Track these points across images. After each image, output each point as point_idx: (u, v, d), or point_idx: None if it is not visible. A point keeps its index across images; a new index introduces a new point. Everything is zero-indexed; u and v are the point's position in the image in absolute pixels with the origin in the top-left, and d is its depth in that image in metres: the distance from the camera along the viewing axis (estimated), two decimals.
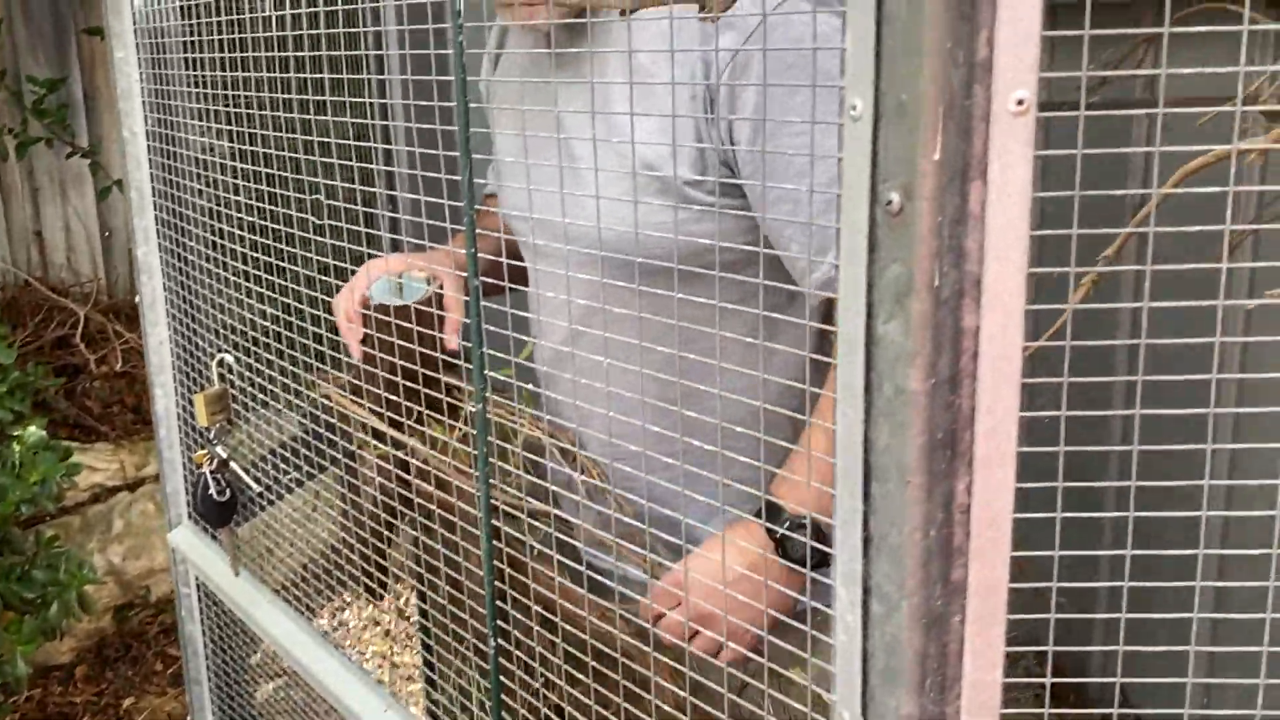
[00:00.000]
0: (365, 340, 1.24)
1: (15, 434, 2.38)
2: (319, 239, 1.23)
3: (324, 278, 1.28)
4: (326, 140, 1.17)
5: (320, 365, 1.30)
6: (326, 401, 1.28)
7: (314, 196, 1.21)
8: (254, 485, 1.48)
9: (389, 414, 1.20)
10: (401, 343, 1.17)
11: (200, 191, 1.53)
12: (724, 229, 1.09)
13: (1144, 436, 0.70)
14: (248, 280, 1.40)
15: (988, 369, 0.63)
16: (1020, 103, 0.58)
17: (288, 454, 1.42)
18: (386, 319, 1.19)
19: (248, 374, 1.44)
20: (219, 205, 1.46)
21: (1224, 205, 0.68)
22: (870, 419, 0.65)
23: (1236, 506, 2.31)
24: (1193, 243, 0.68)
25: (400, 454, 1.21)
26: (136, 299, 1.73)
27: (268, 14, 1.28)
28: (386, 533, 1.28)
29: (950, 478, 0.64)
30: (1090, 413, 0.71)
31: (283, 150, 1.26)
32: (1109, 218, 0.75)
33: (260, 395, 1.43)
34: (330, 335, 1.27)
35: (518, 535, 1.10)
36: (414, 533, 1.24)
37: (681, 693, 0.98)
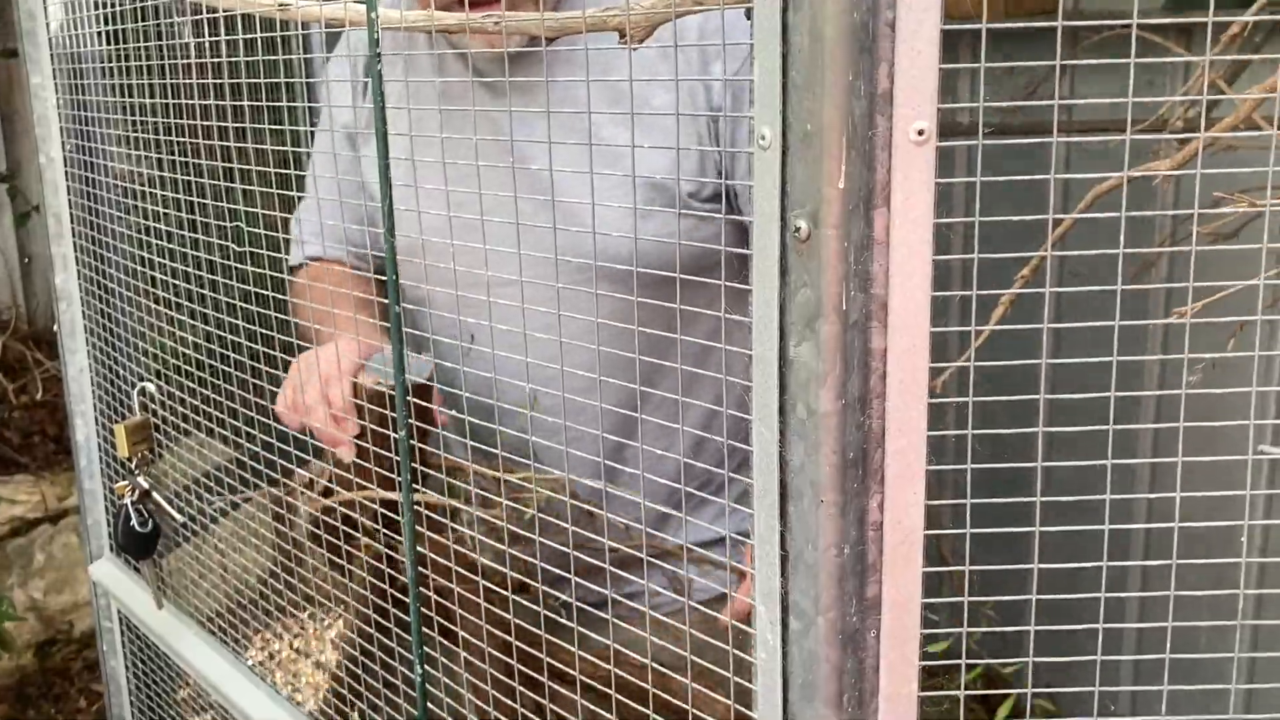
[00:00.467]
0: (360, 432, 1.13)
1: None
2: (242, 266, 1.22)
3: (246, 306, 1.27)
4: (250, 168, 1.17)
5: (244, 393, 1.29)
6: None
7: (235, 224, 1.20)
8: (177, 516, 1.46)
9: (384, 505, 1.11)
10: (420, 424, 1.09)
11: (120, 218, 1.51)
12: (728, 240, 1.10)
13: (1065, 453, 0.72)
14: (170, 308, 1.38)
15: (896, 389, 0.64)
16: (921, 133, 0.60)
17: (212, 483, 1.40)
18: (385, 402, 1.09)
19: (170, 402, 1.43)
20: (141, 232, 1.44)
21: (1141, 227, 0.71)
22: (785, 439, 0.67)
23: (1156, 518, 2.37)
24: (1110, 263, 0.70)
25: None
26: (55, 327, 1.69)
27: (189, 40, 1.27)
28: (312, 561, 1.26)
29: (863, 496, 0.65)
30: (998, 430, 0.73)
31: (205, 178, 1.25)
32: (1037, 238, 0.78)
33: (184, 424, 1.41)
34: (255, 364, 1.26)
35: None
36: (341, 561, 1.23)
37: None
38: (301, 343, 1.19)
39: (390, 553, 1.13)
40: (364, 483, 1.13)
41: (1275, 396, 2.07)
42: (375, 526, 1.13)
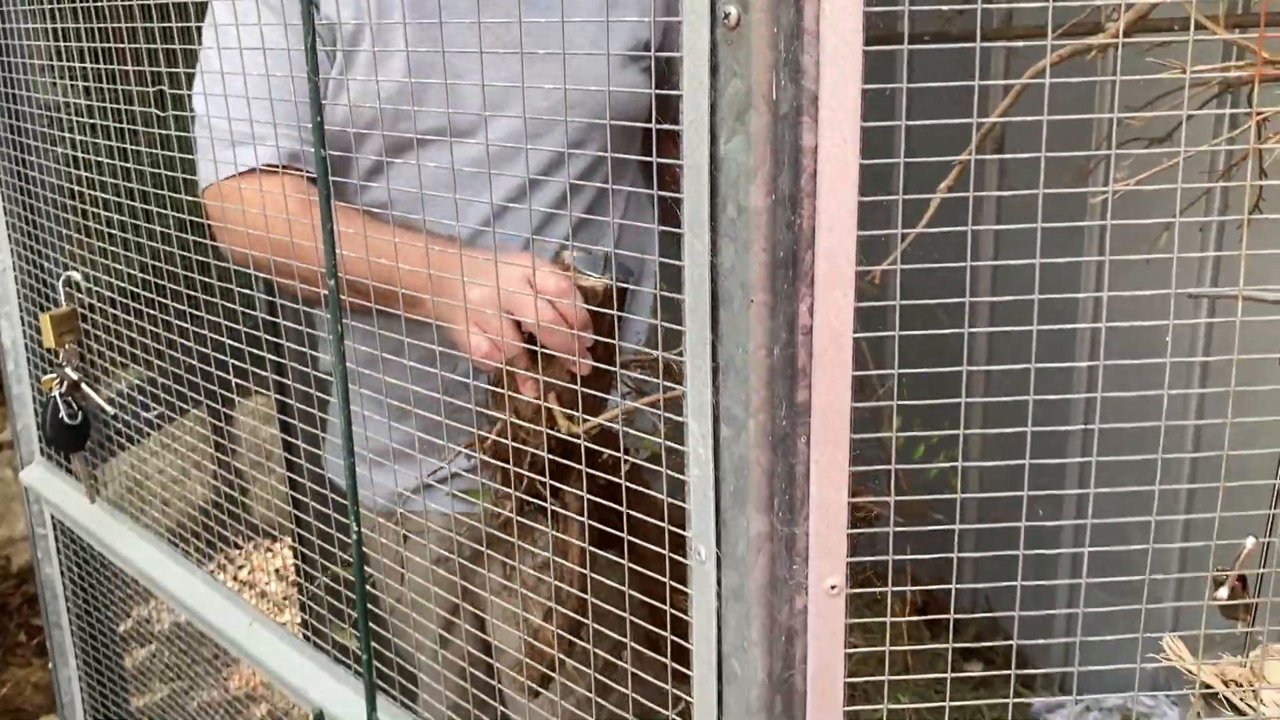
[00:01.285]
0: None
1: None
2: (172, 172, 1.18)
3: (182, 216, 1.23)
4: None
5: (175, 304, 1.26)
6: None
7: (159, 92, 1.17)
8: (107, 407, 1.43)
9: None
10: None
11: (42, 114, 1.46)
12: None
13: (1003, 358, 0.72)
14: (99, 206, 1.34)
15: (827, 189, 0.64)
16: None
17: (146, 397, 1.37)
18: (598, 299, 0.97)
19: (98, 289, 1.39)
20: (63, 130, 1.40)
21: (1080, 131, 0.71)
22: (716, 243, 0.66)
23: (1094, 420, 2.41)
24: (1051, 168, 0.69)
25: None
26: None
27: None
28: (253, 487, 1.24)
29: (793, 299, 0.65)
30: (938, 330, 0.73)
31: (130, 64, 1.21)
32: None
33: (113, 325, 1.38)
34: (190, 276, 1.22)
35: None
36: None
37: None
38: (274, 270, 1.11)
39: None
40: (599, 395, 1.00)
41: (1207, 304, 2.10)
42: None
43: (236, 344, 1.15)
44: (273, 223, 1.10)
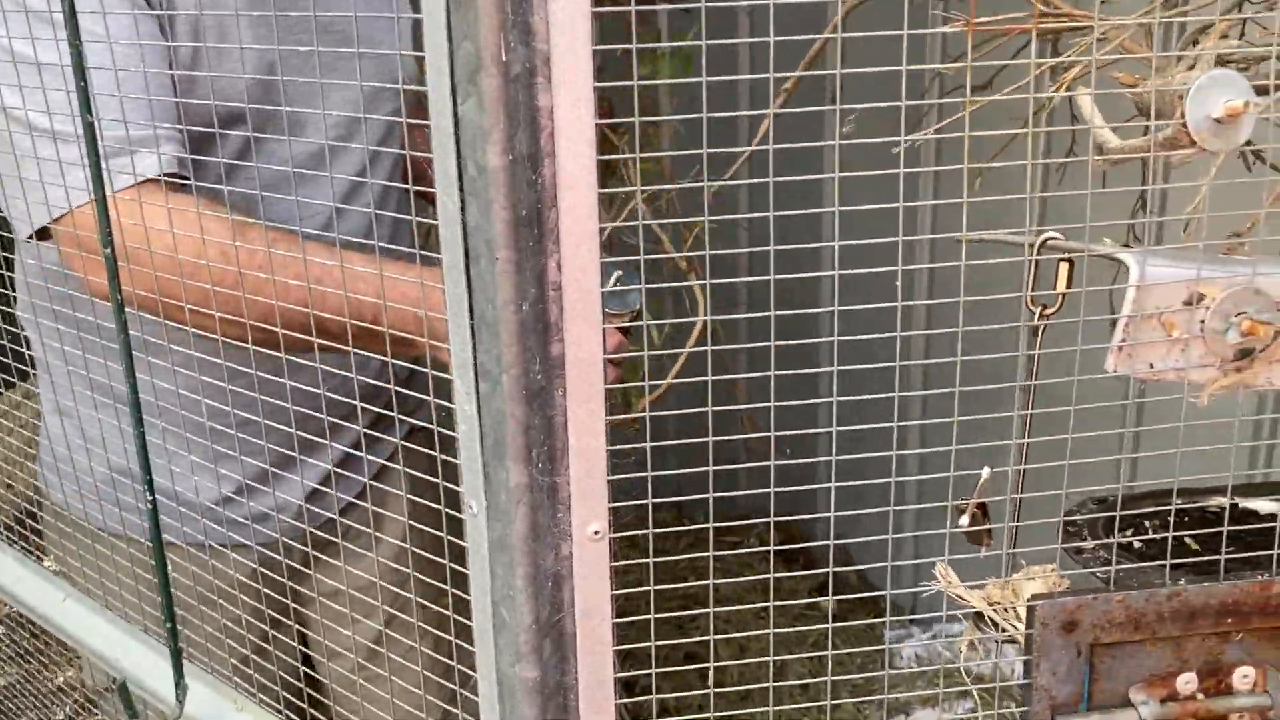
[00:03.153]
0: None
1: None
2: None
3: None
4: None
5: None
6: None
7: None
8: None
9: None
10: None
11: None
12: None
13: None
14: None
15: (565, 148, 0.66)
16: None
17: None
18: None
19: None
20: None
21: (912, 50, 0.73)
22: (465, 203, 0.67)
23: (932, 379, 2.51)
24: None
25: None
26: None
27: None
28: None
29: (540, 255, 0.67)
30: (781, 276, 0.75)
31: None
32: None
33: None
34: None
35: None
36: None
37: None
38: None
39: None
40: None
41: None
42: None
43: None
44: (209, 250, 0.93)
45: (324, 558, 1.23)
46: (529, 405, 0.69)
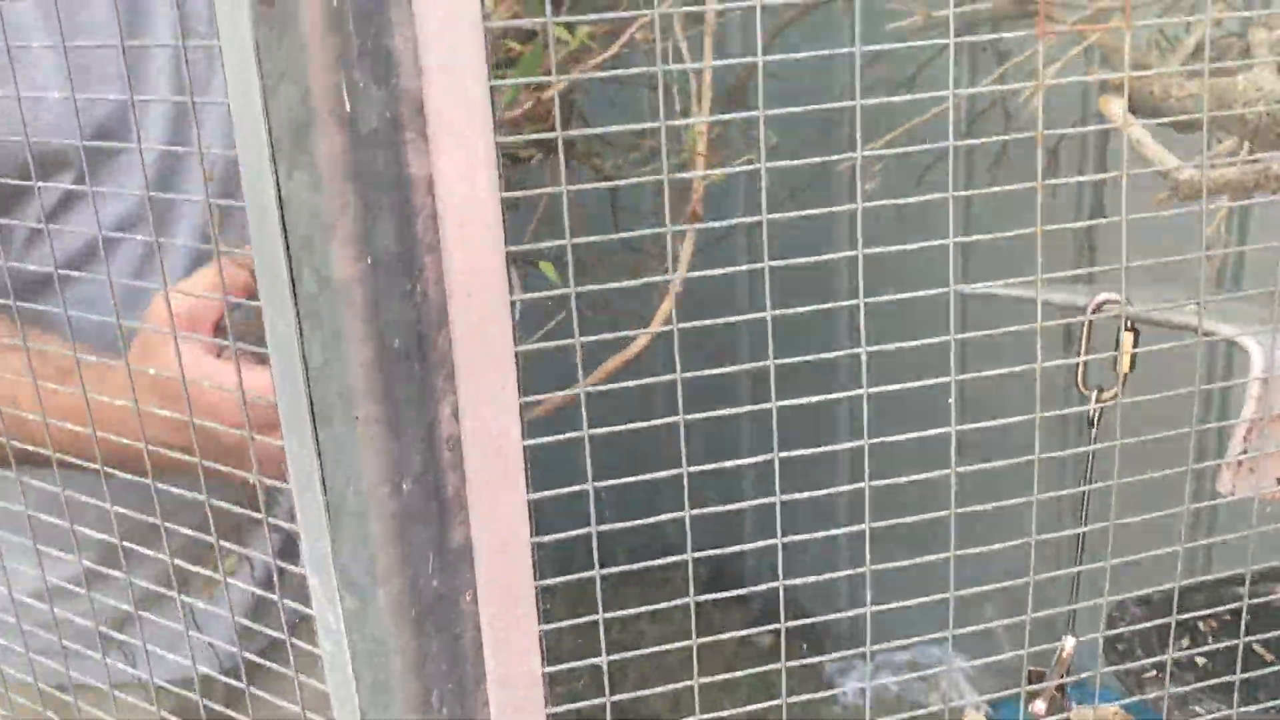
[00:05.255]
0: None
1: None
2: None
3: None
4: None
5: None
6: None
7: None
8: None
9: None
10: None
11: None
12: None
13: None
14: None
15: (455, 236, 0.42)
16: None
17: None
18: None
19: None
20: None
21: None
22: (303, 333, 0.43)
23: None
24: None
25: None
26: None
27: None
28: None
29: (426, 402, 0.44)
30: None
31: None
32: None
33: None
34: None
35: None
36: None
37: None
38: None
39: None
40: None
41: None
42: None
43: None
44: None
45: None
46: (420, 627, 0.45)
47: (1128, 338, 0.64)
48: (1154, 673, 0.79)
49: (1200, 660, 0.82)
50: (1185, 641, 0.84)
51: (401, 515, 0.44)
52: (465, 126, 0.41)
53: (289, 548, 0.61)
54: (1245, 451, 0.54)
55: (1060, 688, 0.56)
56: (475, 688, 0.47)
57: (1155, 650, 0.80)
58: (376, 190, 0.41)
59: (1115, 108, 0.72)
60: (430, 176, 0.41)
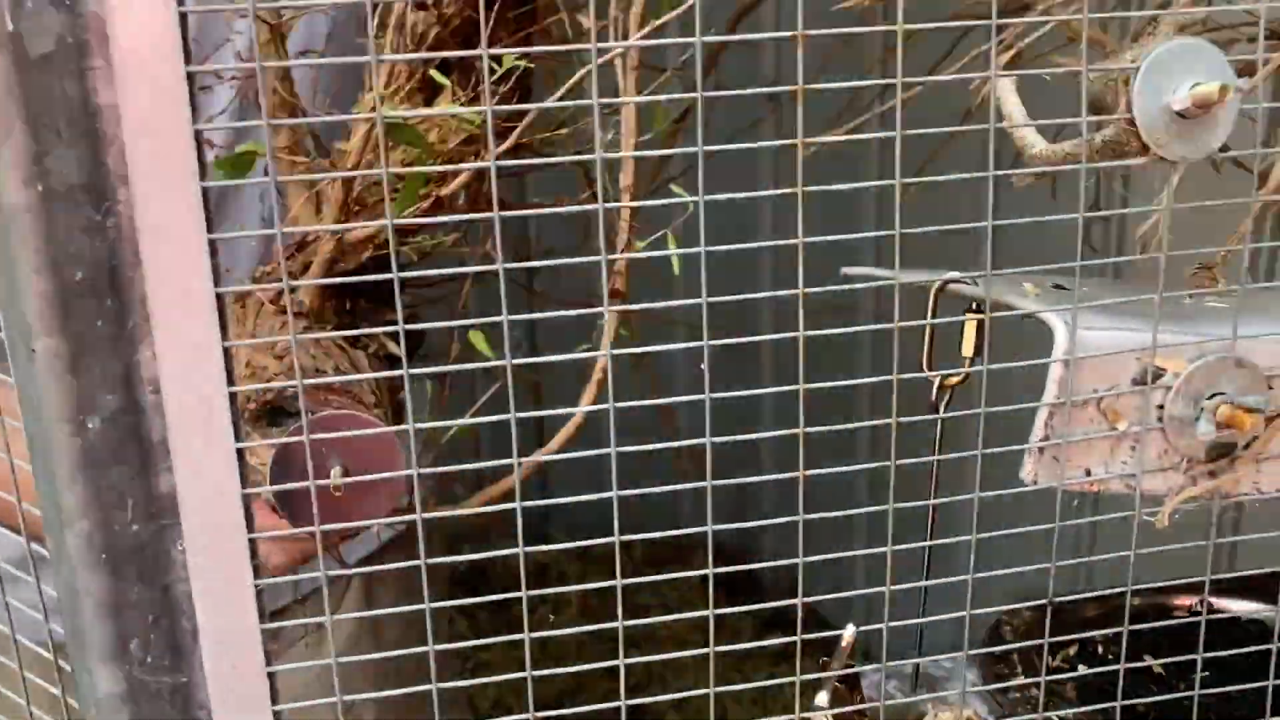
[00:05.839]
0: None
1: None
2: None
3: None
4: None
5: None
6: None
7: None
8: None
9: None
10: None
11: None
12: None
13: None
14: None
15: (146, 171, 0.41)
16: None
17: None
18: None
19: None
20: None
21: None
22: None
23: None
24: None
25: None
26: None
27: None
28: None
29: (120, 340, 0.42)
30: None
31: None
32: None
33: None
34: None
35: None
36: None
37: None
38: None
39: None
40: None
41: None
42: None
43: None
44: None
45: None
46: (116, 575, 0.44)
47: (971, 325, 0.61)
48: (1028, 689, 0.75)
49: (1086, 674, 0.78)
50: (1073, 650, 0.80)
51: (89, 455, 0.42)
52: (151, 56, 0.40)
53: None
54: (1047, 438, 0.51)
55: (845, 679, 0.53)
56: (189, 642, 0.46)
57: (1034, 663, 0.76)
58: (53, 116, 0.40)
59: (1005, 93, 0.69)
60: (116, 106, 0.40)
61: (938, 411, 0.62)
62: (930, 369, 0.62)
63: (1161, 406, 0.51)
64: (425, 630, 0.49)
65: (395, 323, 0.60)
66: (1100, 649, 0.79)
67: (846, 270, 0.72)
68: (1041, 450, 0.51)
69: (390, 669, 1.04)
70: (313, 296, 0.75)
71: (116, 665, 0.45)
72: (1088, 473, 0.52)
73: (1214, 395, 0.51)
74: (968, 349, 0.61)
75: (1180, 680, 0.77)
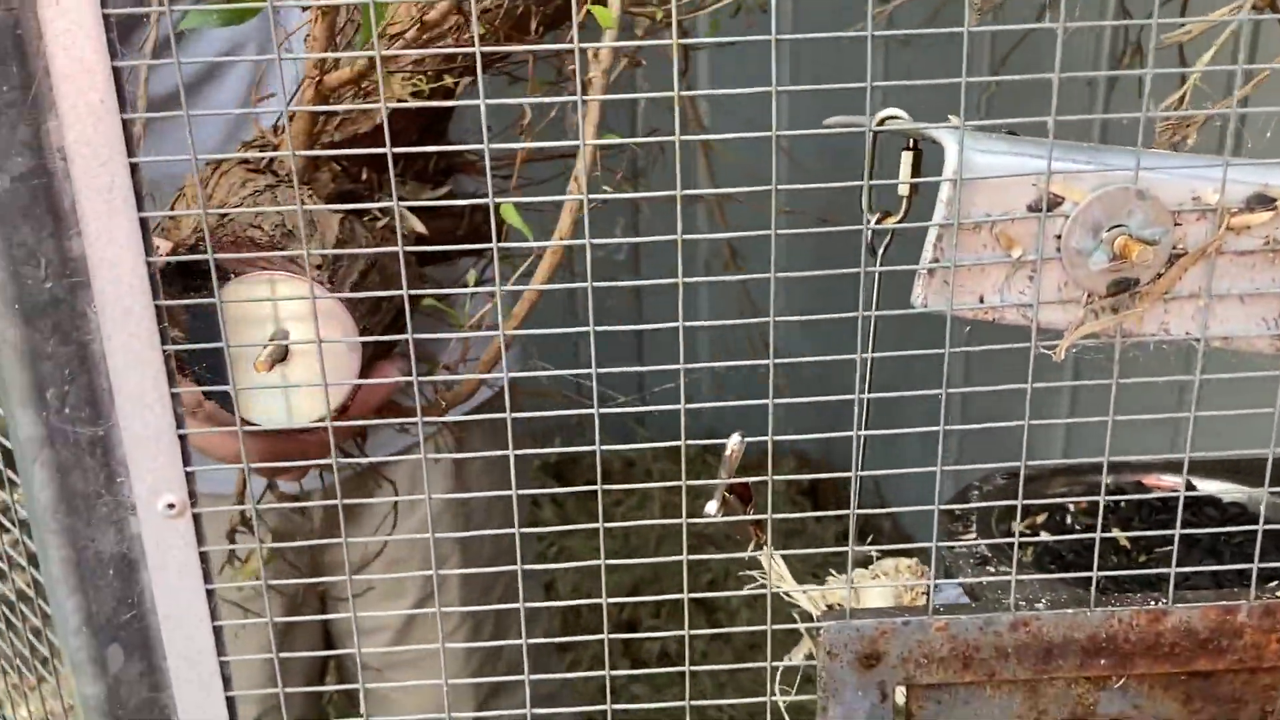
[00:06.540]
0: None
1: None
2: None
3: None
4: None
5: None
6: None
7: None
8: None
9: None
10: None
11: None
12: None
13: None
14: None
15: (69, 100, 0.44)
16: None
17: None
18: None
19: None
20: None
21: None
22: None
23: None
24: None
25: None
26: None
27: None
28: None
29: (27, 106, 0.46)
30: None
31: None
32: None
33: None
34: None
35: None
36: None
37: None
38: None
39: None
40: None
41: None
42: None
43: None
44: None
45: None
46: (30, 325, 0.49)
47: (907, 157, 0.61)
48: (990, 556, 0.75)
49: (1052, 544, 0.78)
50: (1040, 518, 0.80)
51: None
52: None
53: None
54: (937, 260, 0.51)
55: (733, 488, 0.54)
56: (105, 399, 0.50)
57: (994, 531, 0.76)
58: None
59: None
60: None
61: (875, 255, 0.63)
62: (868, 209, 0.62)
63: (1059, 236, 0.51)
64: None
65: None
66: (1070, 519, 0.79)
67: (828, 120, 0.72)
68: (931, 273, 0.51)
69: (477, 522, 1.09)
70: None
71: (35, 410, 0.50)
72: (981, 300, 0.52)
73: (1115, 227, 0.50)
74: (903, 188, 0.61)
75: (1143, 554, 0.77)
